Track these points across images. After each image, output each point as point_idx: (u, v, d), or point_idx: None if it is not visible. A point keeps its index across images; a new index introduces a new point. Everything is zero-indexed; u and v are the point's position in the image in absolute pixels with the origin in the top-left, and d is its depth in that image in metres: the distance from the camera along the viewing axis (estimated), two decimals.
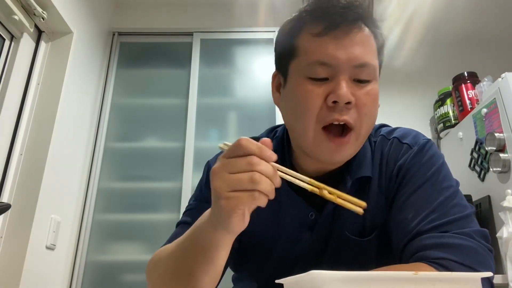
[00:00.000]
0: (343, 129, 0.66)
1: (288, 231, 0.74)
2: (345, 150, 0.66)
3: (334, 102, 0.63)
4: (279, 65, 0.73)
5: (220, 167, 0.51)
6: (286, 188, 0.71)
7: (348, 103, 0.63)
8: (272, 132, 0.83)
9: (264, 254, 0.76)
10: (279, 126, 0.84)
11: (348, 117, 0.64)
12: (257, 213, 0.57)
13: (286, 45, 0.70)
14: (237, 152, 0.50)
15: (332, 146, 0.65)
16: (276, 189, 0.54)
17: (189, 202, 0.82)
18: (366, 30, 0.67)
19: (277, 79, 0.74)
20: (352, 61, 0.64)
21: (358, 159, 0.72)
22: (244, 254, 0.77)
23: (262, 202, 0.50)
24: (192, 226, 0.60)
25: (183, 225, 0.75)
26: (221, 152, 0.71)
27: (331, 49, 0.64)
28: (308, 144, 0.66)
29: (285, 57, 0.70)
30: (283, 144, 0.76)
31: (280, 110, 0.74)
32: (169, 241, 0.73)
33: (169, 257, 0.65)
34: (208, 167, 0.82)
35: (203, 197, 0.77)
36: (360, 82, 0.65)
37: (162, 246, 0.72)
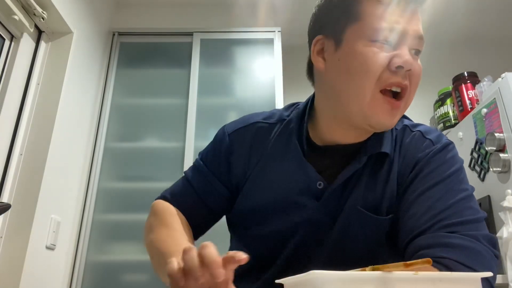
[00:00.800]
0: (394, 96, 0.68)
1: (292, 196, 0.73)
2: (397, 115, 0.69)
3: (398, 67, 0.65)
4: (327, 28, 0.72)
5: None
6: (297, 152, 0.73)
7: (409, 70, 0.67)
8: (292, 106, 0.85)
9: (265, 216, 0.76)
10: (298, 103, 0.85)
11: (407, 83, 0.68)
12: (265, 174, 0.71)
13: (344, 9, 0.69)
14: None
15: (388, 108, 0.67)
16: (287, 153, 0.70)
17: (201, 156, 0.86)
18: (419, 10, 0.73)
19: (320, 44, 0.73)
20: (416, 32, 0.69)
21: (377, 136, 0.73)
22: (245, 217, 0.79)
23: None
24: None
25: (186, 183, 0.82)
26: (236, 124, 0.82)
27: (400, 17, 0.67)
28: (363, 106, 0.66)
29: (340, 21, 0.69)
30: (302, 117, 0.77)
31: (325, 76, 0.73)
32: (172, 194, 0.82)
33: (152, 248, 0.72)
34: (222, 133, 0.83)
35: (208, 163, 0.82)
36: (415, 53, 0.70)
37: (164, 195, 0.83)
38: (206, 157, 0.83)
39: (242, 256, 0.46)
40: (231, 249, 0.83)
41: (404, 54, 0.66)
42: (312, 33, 0.75)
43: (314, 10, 0.77)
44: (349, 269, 0.44)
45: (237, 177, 0.78)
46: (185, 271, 0.47)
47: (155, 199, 0.84)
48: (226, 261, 0.47)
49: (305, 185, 0.73)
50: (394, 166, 0.72)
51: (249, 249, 0.59)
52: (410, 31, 0.68)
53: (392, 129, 0.75)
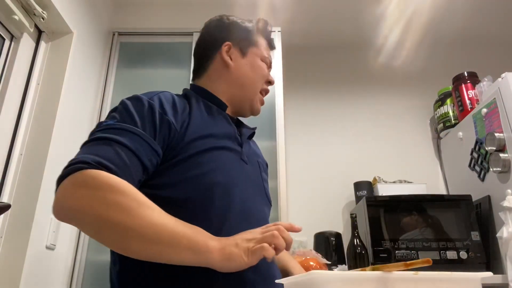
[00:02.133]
0: None
1: (225, 139, 0.91)
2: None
3: (271, 82, 1.09)
4: (238, 42, 1.06)
5: (254, 233, 0.71)
6: (217, 108, 0.98)
7: (271, 85, 1.11)
8: (182, 93, 1.03)
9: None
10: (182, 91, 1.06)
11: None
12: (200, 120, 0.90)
13: (249, 35, 1.08)
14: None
15: (262, 101, 1.09)
16: (208, 107, 0.96)
17: (108, 123, 0.81)
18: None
19: (228, 47, 1.05)
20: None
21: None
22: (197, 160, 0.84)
23: (271, 254, 0.67)
24: (163, 241, 0.67)
25: (110, 142, 0.76)
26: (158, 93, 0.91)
27: (270, 55, 1.11)
28: (253, 97, 1.05)
29: (247, 41, 1.07)
30: (202, 93, 1.01)
31: (232, 71, 1.04)
32: (111, 162, 0.72)
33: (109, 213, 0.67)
34: (141, 100, 0.86)
35: (138, 125, 0.80)
36: None
37: (103, 164, 0.71)
38: (128, 120, 0.81)
39: (298, 227, 0.74)
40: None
41: (271, 75, 1.10)
42: (220, 37, 1.06)
43: (223, 20, 1.11)
44: None
45: (176, 132, 0.84)
46: (280, 228, 0.70)
47: (75, 169, 0.69)
48: (290, 229, 0.72)
49: (231, 133, 0.97)
50: None
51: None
52: (271, 65, 1.12)
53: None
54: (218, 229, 0.77)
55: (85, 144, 0.78)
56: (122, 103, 0.86)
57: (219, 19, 1.11)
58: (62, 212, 0.70)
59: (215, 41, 1.06)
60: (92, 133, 0.81)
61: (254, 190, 0.93)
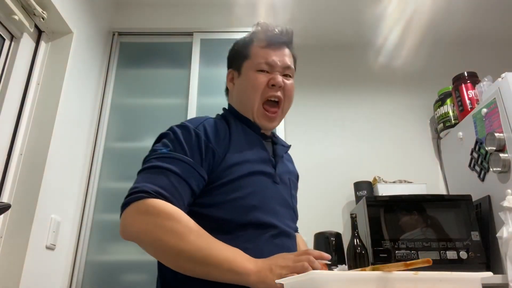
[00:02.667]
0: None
1: (260, 163, 1.01)
2: (275, 120, 1.10)
3: (272, 85, 1.05)
4: (234, 65, 1.13)
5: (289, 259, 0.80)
6: (252, 131, 1.07)
7: (280, 86, 1.06)
8: (222, 114, 1.14)
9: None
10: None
11: (280, 95, 1.07)
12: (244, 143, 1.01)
13: (241, 52, 1.11)
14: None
15: (266, 116, 1.07)
16: (244, 130, 1.05)
17: (168, 149, 0.92)
18: (287, 49, 1.12)
19: (231, 74, 1.14)
20: (283, 63, 1.08)
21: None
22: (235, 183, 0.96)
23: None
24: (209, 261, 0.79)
25: (172, 174, 0.87)
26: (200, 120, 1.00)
27: (271, 55, 1.07)
28: (253, 113, 1.06)
29: (239, 59, 1.11)
30: (233, 115, 1.10)
31: (233, 94, 1.12)
32: (165, 189, 0.85)
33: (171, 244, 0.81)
34: (188, 128, 0.97)
35: (185, 152, 0.91)
36: (286, 76, 1.09)
37: (159, 192, 0.83)
38: (179, 149, 0.92)
39: (327, 255, 0.81)
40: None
41: (276, 77, 1.05)
42: (228, 66, 1.16)
43: (229, 51, 1.17)
44: None
45: (219, 157, 0.95)
46: (311, 259, 0.78)
47: (137, 198, 0.83)
48: (319, 257, 0.80)
49: (266, 156, 1.05)
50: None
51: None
52: (279, 63, 1.07)
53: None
54: (251, 248, 0.87)
55: (143, 171, 0.91)
56: (173, 131, 0.97)
57: (231, 48, 1.18)
58: (127, 234, 0.85)
59: (227, 69, 1.18)
60: (149, 159, 0.93)
61: (284, 210, 1.03)
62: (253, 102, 1.05)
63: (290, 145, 1.21)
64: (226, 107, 1.17)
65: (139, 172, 0.91)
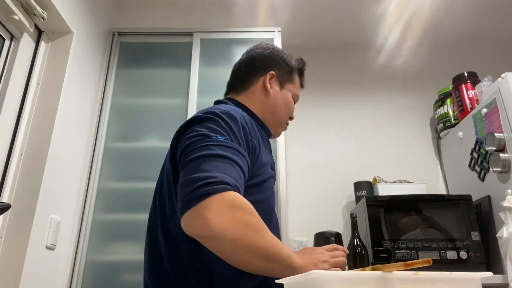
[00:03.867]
0: None
1: (271, 167, 1.03)
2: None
3: (292, 118, 1.22)
4: (279, 74, 1.17)
5: (327, 255, 0.91)
6: (265, 134, 1.12)
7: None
8: (221, 103, 1.13)
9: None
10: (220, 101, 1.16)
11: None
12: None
13: (288, 70, 1.19)
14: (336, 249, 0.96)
15: (283, 130, 1.21)
16: (261, 133, 1.06)
17: (220, 139, 0.85)
18: None
19: (270, 76, 1.15)
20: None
21: None
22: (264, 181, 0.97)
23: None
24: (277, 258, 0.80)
25: (237, 167, 0.82)
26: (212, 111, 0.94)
27: (299, 92, 1.24)
28: (278, 124, 1.17)
29: (285, 75, 1.18)
30: (255, 118, 1.13)
31: (268, 98, 1.14)
32: (237, 182, 0.79)
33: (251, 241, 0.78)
34: (234, 116, 0.94)
35: (236, 142, 0.87)
36: None
37: (234, 185, 0.78)
38: (234, 139, 0.87)
39: (347, 250, 0.96)
40: None
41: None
42: (268, 64, 1.16)
43: (272, 50, 1.20)
44: None
45: (256, 156, 0.94)
46: (344, 260, 0.91)
47: (222, 189, 0.75)
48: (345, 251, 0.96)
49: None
50: None
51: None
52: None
53: None
54: None
55: (206, 157, 0.80)
56: (220, 118, 0.89)
57: (270, 49, 1.20)
58: (211, 229, 0.72)
59: (262, 66, 1.16)
60: (206, 145, 0.83)
61: None
62: (282, 119, 1.17)
63: None
64: (227, 99, 1.16)
65: (197, 158, 0.80)
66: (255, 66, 1.16)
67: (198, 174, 0.76)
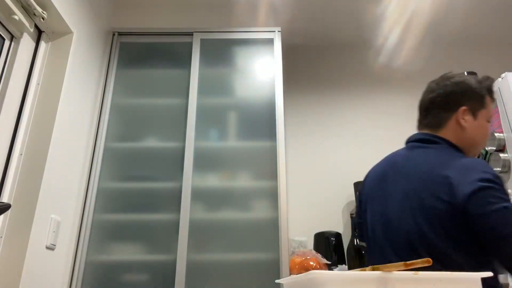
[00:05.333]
0: None
1: None
2: None
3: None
4: (473, 107, 1.21)
5: None
6: None
7: None
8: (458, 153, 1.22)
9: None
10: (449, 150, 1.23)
11: None
12: None
13: (478, 99, 1.22)
14: None
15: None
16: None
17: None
18: None
19: (464, 111, 1.21)
20: None
21: None
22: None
23: None
24: None
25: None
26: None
27: (492, 111, 1.25)
28: (477, 151, 1.23)
29: (477, 104, 1.21)
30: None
31: (466, 130, 1.20)
32: None
33: None
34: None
35: None
36: None
37: None
38: None
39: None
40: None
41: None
42: (458, 100, 1.22)
43: (460, 84, 1.23)
44: None
45: None
46: None
47: None
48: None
49: None
50: None
51: None
52: None
53: None
54: None
55: None
56: (501, 184, 1.04)
57: (457, 83, 1.25)
58: None
59: (454, 104, 1.22)
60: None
61: None
62: (482, 147, 1.24)
63: None
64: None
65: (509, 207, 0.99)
66: (447, 103, 1.23)
67: None
